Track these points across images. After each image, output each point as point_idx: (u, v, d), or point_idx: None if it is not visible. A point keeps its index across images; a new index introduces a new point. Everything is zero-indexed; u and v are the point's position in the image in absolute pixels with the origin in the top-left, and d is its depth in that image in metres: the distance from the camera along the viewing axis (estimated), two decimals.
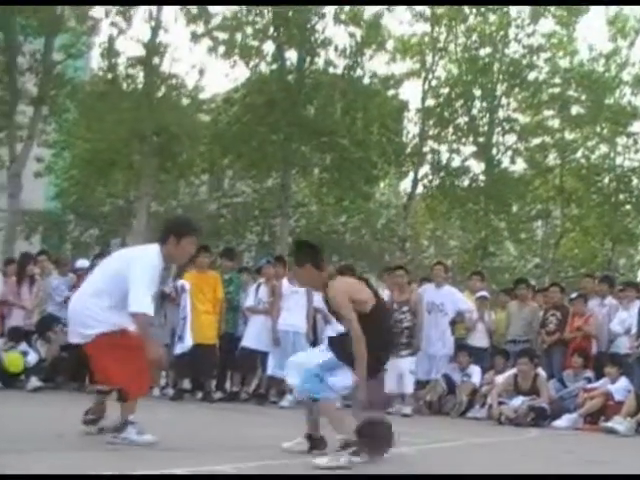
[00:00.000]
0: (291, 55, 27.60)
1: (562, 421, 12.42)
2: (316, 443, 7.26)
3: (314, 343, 13.17)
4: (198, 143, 27.52)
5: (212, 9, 26.76)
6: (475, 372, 14.04)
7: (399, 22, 31.01)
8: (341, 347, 7.05)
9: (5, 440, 6.79)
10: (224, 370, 14.48)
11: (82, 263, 15.69)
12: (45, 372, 13.63)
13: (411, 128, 32.43)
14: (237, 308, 14.44)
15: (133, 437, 6.98)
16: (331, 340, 7.44)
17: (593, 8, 31.23)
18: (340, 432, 6.79)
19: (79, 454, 6.42)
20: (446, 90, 31.94)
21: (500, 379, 13.39)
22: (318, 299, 13.22)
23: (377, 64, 28.99)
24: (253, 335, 13.84)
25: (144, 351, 7.11)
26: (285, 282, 13.06)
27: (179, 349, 13.44)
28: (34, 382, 13.08)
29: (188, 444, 7.43)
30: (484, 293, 15.14)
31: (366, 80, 28.16)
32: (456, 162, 32.45)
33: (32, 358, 13.52)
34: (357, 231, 35.89)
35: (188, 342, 13.28)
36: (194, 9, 26.35)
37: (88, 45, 28.44)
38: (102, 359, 7.24)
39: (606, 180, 32.63)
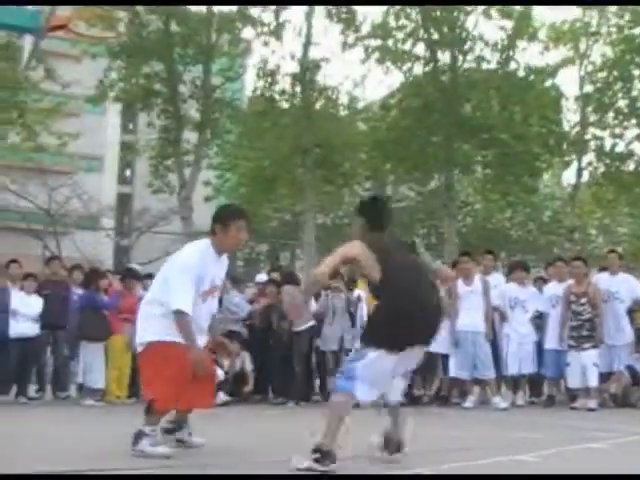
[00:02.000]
0: (443, 55, 27.60)
1: None
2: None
3: (494, 342, 13.20)
4: (359, 152, 27.89)
5: (360, 15, 27.16)
6: None
7: (549, 9, 30.62)
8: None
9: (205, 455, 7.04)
10: None
11: (261, 277, 16.46)
12: (230, 386, 14.01)
13: (571, 116, 32.02)
14: None
15: (147, 449, 6.72)
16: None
17: None
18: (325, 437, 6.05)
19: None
20: (603, 74, 31.35)
21: None
22: (495, 297, 13.29)
23: (530, 55, 28.68)
24: None
25: (186, 365, 6.67)
26: (461, 283, 13.08)
27: None
28: (221, 397, 13.49)
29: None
30: None
31: (521, 73, 27.89)
32: (620, 147, 31.80)
33: (219, 373, 13.91)
34: (523, 225, 35.50)
35: None
36: (342, 11, 26.75)
37: (243, 67, 29.30)
38: (144, 372, 7.10)
39: None
